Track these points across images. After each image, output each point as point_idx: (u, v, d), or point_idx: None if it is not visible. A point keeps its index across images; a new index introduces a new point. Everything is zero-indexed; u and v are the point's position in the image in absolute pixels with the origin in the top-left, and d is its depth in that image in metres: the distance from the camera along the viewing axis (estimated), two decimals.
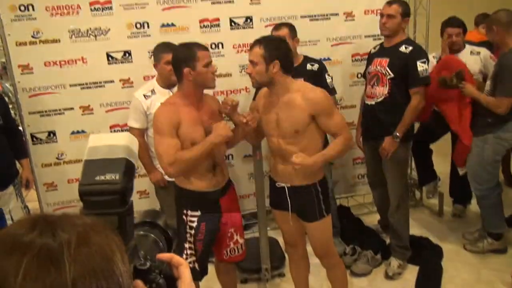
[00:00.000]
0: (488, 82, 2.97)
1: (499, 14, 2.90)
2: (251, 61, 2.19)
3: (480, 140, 2.97)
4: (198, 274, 2.29)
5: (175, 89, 2.43)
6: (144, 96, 2.83)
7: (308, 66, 3.00)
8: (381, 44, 3.06)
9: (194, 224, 2.24)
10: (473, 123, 3.03)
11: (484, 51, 3.41)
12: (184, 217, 2.25)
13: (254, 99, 3.00)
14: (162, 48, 2.77)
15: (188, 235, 2.25)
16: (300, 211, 2.35)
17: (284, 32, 2.89)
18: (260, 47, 2.15)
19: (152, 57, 2.89)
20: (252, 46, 2.20)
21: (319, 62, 3.10)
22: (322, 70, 3.06)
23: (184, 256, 2.27)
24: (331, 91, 3.06)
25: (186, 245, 2.26)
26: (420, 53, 2.88)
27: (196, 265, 2.29)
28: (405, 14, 2.89)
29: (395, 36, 2.91)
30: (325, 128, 2.24)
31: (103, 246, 0.59)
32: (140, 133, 2.88)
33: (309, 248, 2.54)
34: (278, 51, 2.16)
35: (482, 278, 2.97)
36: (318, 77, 2.97)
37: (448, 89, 3.04)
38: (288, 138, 2.23)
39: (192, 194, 2.24)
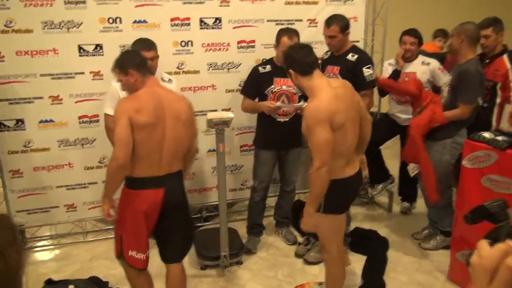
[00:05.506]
0: (446, 90, 3.20)
1: (469, 26, 3.03)
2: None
3: (439, 145, 3.17)
4: None
5: None
6: None
7: None
8: (332, 52, 3.33)
9: None
10: (432, 130, 3.17)
11: (434, 63, 3.69)
12: None
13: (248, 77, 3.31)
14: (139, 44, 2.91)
15: None
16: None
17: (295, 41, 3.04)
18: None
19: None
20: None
21: None
22: None
23: None
24: None
25: None
26: (364, 60, 3.21)
27: None
28: (344, 28, 3.15)
29: (342, 47, 3.22)
30: None
31: None
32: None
33: None
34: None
35: (422, 267, 3.27)
36: None
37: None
38: None
39: None
